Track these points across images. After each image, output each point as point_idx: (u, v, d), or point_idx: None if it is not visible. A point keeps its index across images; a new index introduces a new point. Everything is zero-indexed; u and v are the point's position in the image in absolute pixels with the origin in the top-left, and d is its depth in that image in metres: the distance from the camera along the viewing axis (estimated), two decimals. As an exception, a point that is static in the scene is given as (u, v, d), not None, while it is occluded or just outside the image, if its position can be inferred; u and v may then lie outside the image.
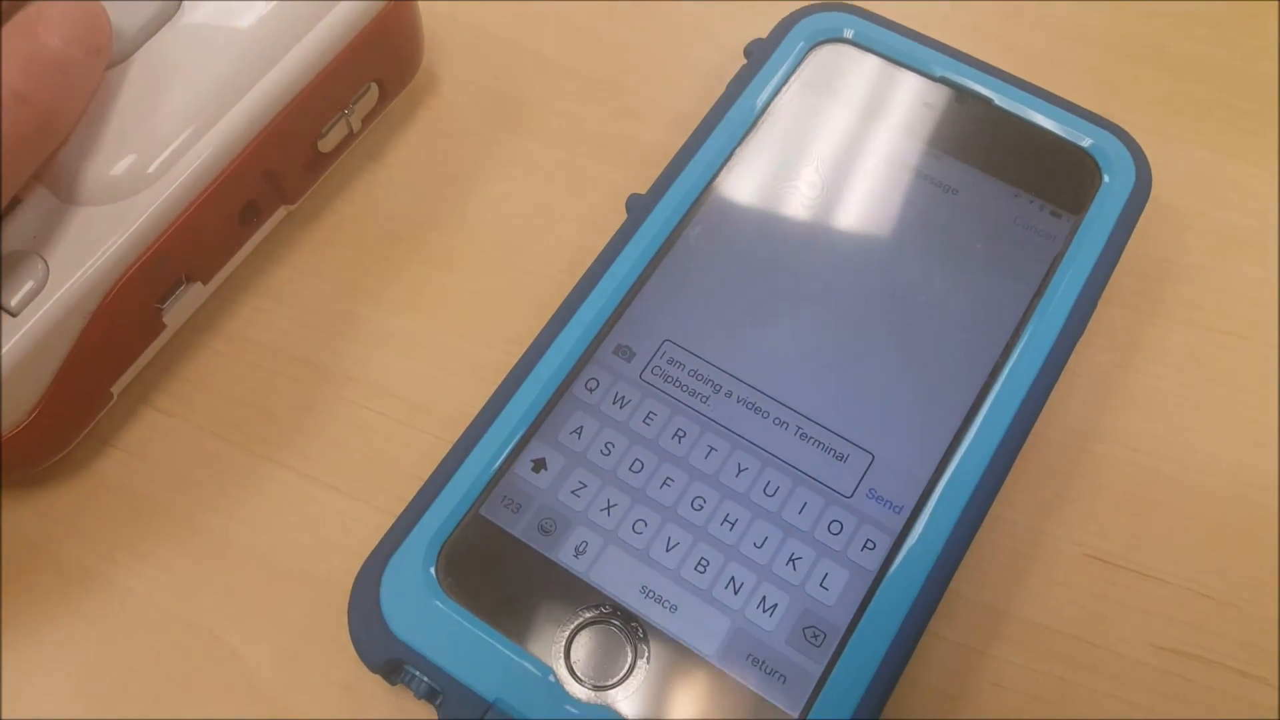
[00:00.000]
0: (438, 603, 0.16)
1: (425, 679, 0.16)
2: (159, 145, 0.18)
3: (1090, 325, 0.19)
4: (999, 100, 0.21)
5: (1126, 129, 0.21)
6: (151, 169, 0.18)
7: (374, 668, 0.16)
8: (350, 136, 0.21)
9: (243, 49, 0.19)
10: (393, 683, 0.16)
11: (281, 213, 0.21)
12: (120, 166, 0.18)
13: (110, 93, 0.18)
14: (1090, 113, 0.21)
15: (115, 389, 0.19)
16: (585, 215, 0.22)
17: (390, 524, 0.17)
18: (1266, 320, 0.21)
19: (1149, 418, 0.20)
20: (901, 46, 0.21)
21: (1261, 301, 0.21)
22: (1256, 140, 0.23)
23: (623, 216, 0.20)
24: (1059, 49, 0.24)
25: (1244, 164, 0.23)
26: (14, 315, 0.17)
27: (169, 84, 0.18)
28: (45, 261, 0.17)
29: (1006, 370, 0.18)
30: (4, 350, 0.17)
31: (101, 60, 0.18)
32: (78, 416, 0.19)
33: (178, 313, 0.19)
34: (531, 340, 0.19)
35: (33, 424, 0.18)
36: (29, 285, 0.17)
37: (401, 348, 0.21)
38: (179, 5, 0.19)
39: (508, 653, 0.16)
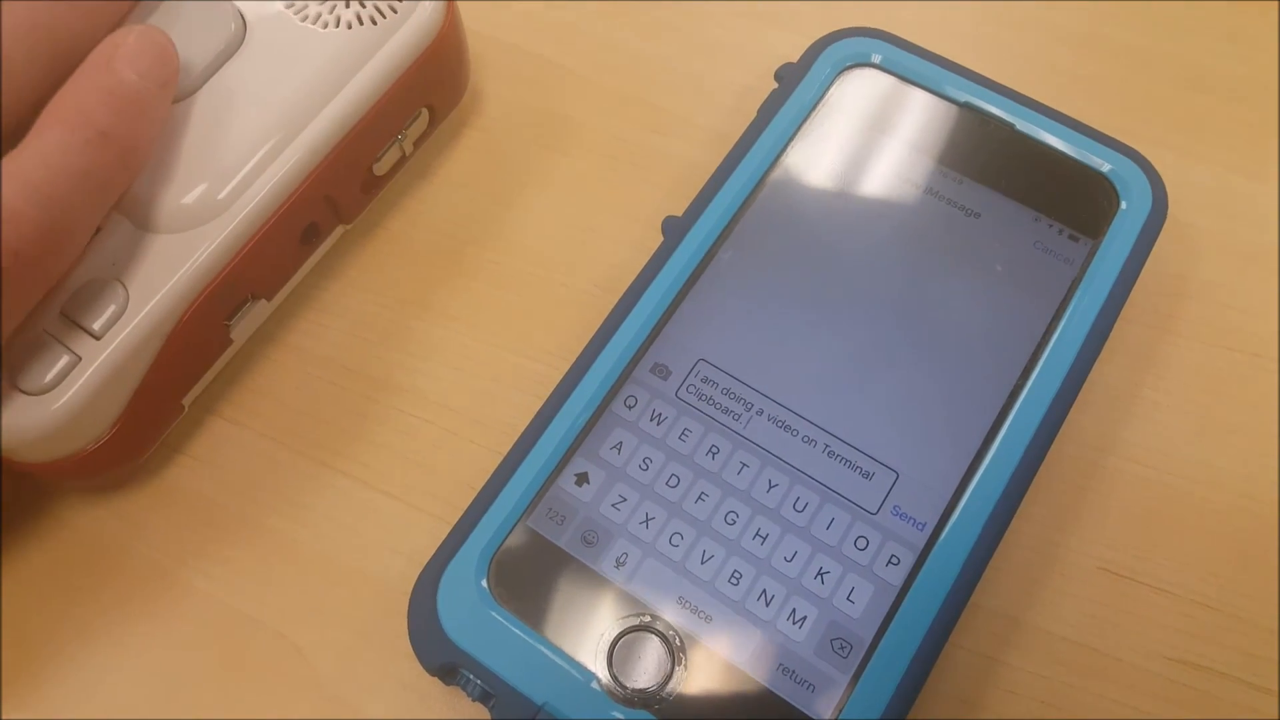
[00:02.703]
0: (490, 610, 0.16)
1: (479, 682, 0.16)
2: (228, 175, 0.18)
3: (1106, 343, 0.19)
4: (1020, 125, 0.20)
5: (1144, 145, 0.20)
6: (221, 197, 0.18)
7: (431, 670, 0.16)
8: (403, 159, 0.21)
9: (305, 82, 0.18)
10: (448, 684, 0.16)
11: (339, 232, 0.21)
12: (192, 196, 0.18)
13: (182, 124, 0.18)
14: (1109, 138, 0.20)
15: (186, 401, 0.19)
16: (622, 231, 0.22)
17: (439, 529, 0.17)
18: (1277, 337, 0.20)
19: (1160, 434, 0.19)
20: (927, 71, 0.21)
21: (1274, 319, 0.21)
22: (1274, 157, 0.22)
23: (657, 232, 0.20)
24: (1079, 65, 0.24)
25: (1260, 181, 0.22)
26: (97, 338, 0.17)
27: (236, 115, 0.18)
28: (125, 287, 0.17)
29: (1026, 390, 0.18)
30: (89, 371, 0.17)
31: (170, 93, 0.18)
32: (153, 428, 0.19)
33: (244, 328, 0.19)
34: (572, 354, 0.19)
35: (114, 437, 0.18)
36: (110, 310, 0.17)
37: (449, 359, 0.21)
38: (243, 39, 0.19)
39: (554, 658, 0.16)
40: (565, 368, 0.18)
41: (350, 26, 0.19)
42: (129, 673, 0.18)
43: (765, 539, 0.17)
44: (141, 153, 0.17)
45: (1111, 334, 0.18)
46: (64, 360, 0.17)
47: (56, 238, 0.16)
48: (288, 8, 0.19)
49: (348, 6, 0.19)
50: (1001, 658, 0.17)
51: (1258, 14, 0.24)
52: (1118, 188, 0.20)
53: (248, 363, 0.20)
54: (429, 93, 0.21)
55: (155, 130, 0.17)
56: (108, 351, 0.17)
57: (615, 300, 0.19)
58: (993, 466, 0.17)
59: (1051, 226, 0.19)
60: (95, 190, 0.16)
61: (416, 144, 0.21)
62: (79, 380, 0.17)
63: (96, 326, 0.17)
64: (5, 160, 0.15)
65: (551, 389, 0.18)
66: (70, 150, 0.16)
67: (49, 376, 0.17)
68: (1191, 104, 0.23)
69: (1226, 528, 0.18)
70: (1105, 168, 0.20)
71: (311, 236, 0.20)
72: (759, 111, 0.21)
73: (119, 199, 0.17)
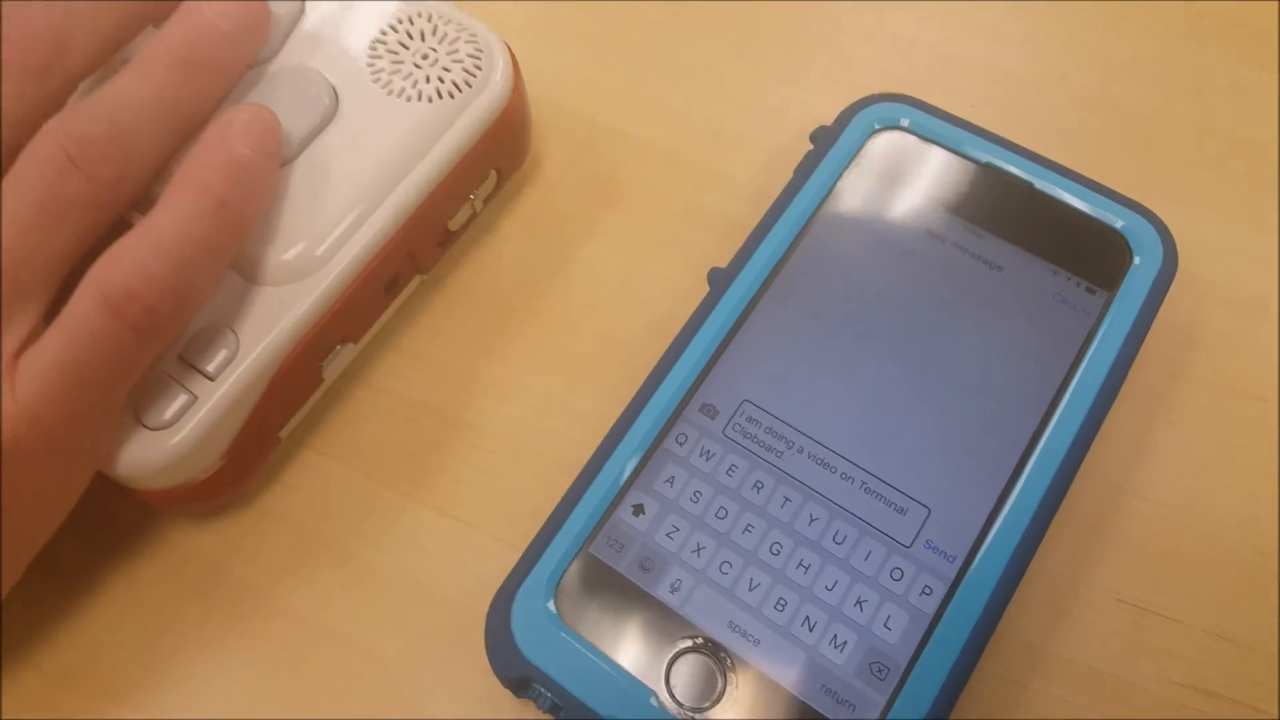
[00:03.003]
0: (558, 629, 0.18)
1: (549, 695, 0.17)
2: (325, 234, 0.20)
3: (1121, 388, 0.20)
4: (1039, 184, 0.22)
5: (1155, 200, 0.22)
6: (319, 253, 0.20)
7: (506, 683, 0.18)
8: (473, 215, 0.23)
9: (392, 150, 0.20)
10: (520, 697, 0.18)
11: (416, 281, 0.23)
12: (293, 253, 0.20)
13: (284, 189, 0.20)
14: (1121, 195, 0.22)
15: (283, 434, 0.21)
16: (671, 280, 0.23)
17: (505, 553, 0.19)
18: (1284, 382, 0.22)
19: (1173, 474, 0.21)
20: (951, 134, 0.22)
21: (1278, 366, 0.22)
22: (1276, 210, 0.24)
23: (703, 281, 0.22)
24: (1091, 125, 0.25)
25: (1265, 233, 0.23)
26: (211, 380, 0.19)
27: (331, 181, 0.20)
28: (235, 334, 0.19)
29: (1048, 432, 0.19)
30: (204, 409, 0.19)
31: (277, 164, 0.20)
32: (255, 460, 0.21)
33: (333, 368, 0.21)
34: (625, 394, 0.20)
35: (222, 468, 0.20)
36: (223, 354, 0.19)
37: (513, 397, 0.22)
38: (336, 111, 0.21)
39: (616, 675, 0.17)
40: (619, 406, 0.20)
41: (431, 100, 0.21)
42: (228, 681, 0.20)
43: (808, 569, 0.18)
44: (253, 217, 0.19)
45: (1126, 380, 0.20)
46: (182, 399, 0.19)
47: (184, 294, 0.18)
48: (375, 81, 0.21)
49: (428, 81, 0.21)
50: (1026, 682, 0.19)
51: (1259, 72, 0.25)
52: (1130, 243, 0.21)
53: (336, 399, 0.22)
54: (497, 156, 0.22)
55: (265, 197, 0.19)
56: (220, 392, 0.19)
57: (665, 344, 0.21)
58: (1017, 503, 0.18)
59: (1069, 279, 0.21)
60: (216, 252, 0.18)
61: (485, 201, 0.23)
62: (195, 417, 0.19)
63: (211, 369, 0.19)
64: (139, 227, 0.17)
65: (606, 426, 0.20)
66: (195, 218, 0.18)
67: (168, 414, 0.19)
68: (1198, 160, 0.24)
69: (1235, 562, 0.20)
70: (1118, 224, 0.21)
71: (393, 286, 0.22)
72: (796, 171, 0.23)
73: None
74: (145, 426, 0.19)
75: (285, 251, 0.20)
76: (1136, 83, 0.25)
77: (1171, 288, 0.21)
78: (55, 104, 0.19)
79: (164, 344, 0.18)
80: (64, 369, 0.17)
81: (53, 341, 0.17)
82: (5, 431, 0.17)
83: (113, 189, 0.18)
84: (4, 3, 0.18)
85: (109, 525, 0.21)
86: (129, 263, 0.17)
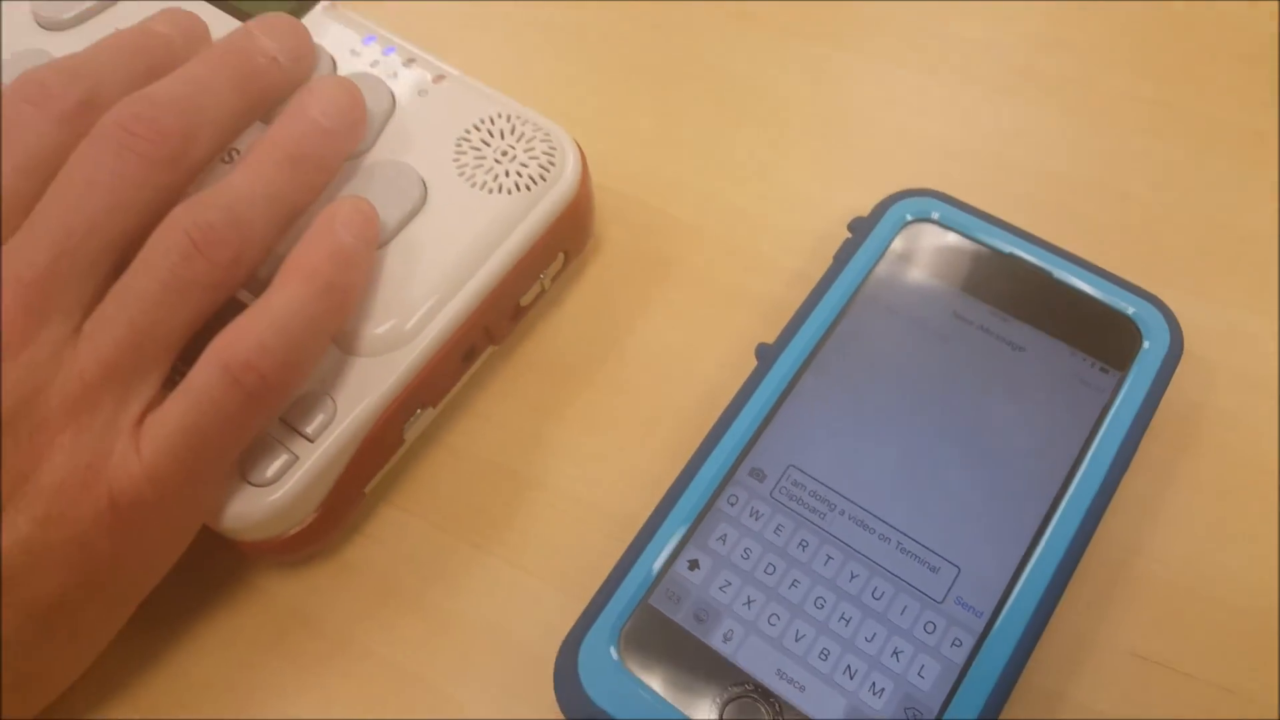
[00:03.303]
0: (621, 674, 0.19)
1: (614, 734, 0.19)
2: (413, 311, 0.22)
3: (1133, 460, 0.22)
4: (1057, 273, 0.24)
5: (1164, 287, 0.24)
6: (408, 328, 0.22)
7: (573, 723, 0.19)
8: (542, 292, 0.25)
9: (474, 237, 0.23)
10: (586, 734, 0.19)
11: (489, 351, 0.25)
12: (385, 327, 0.22)
13: (378, 270, 0.22)
14: (1131, 284, 0.23)
15: (367, 490, 0.23)
16: (720, 353, 0.25)
17: (568, 602, 0.21)
18: (1283, 455, 0.23)
19: (1183, 538, 0.22)
20: (977, 226, 0.25)
21: (1277, 441, 0.23)
22: (1275, 296, 0.25)
23: (750, 354, 0.24)
24: (1107, 216, 0.27)
25: (1265, 318, 0.25)
26: (311, 441, 0.21)
27: (419, 263, 0.22)
28: (333, 399, 0.21)
29: (1066, 499, 0.21)
30: (304, 468, 0.21)
31: (374, 249, 0.22)
32: (342, 514, 0.22)
33: (414, 430, 0.23)
34: (679, 456, 0.22)
35: (314, 521, 0.21)
36: (320, 418, 0.21)
37: (577, 459, 0.24)
38: (425, 201, 0.23)
39: (674, 718, 0.19)
40: (675, 468, 0.22)
41: (509, 192, 0.23)
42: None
43: (849, 621, 0.20)
44: (355, 298, 0.21)
45: (1137, 452, 0.22)
46: (283, 458, 0.21)
47: (295, 366, 0.20)
48: (459, 174, 0.23)
49: (507, 175, 0.23)
50: (1048, 729, 0.20)
51: (1260, 166, 0.27)
52: (1140, 328, 0.23)
53: (414, 458, 0.24)
54: (565, 240, 0.25)
55: (365, 279, 0.21)
56: (318, 452, 0.21)
57: (716, 412, 0.23)
58: (1039, 563, 0.20)
59: (1085, 360, 0.23)
60: (322, 329, 0.20)
61: (553, 280, 0.25)
62: (295, 475, 0.21)
63: (310, 431, 0.21)
64: (256, 306, 0.20)
65: (663, 486, 0.22)
66: (305, 299, 0.20)
67: (270, 471, 0.21)
68: (1205, 251, 0.26)
69: (1240, 620, 0.21)
70: (1130, 310, 0.23)
71: (469, 356, 0.24)
72: (835, 257, 0.25)
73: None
74: (250, 483, 0.21)
75: (378, 326, 0.22)
76: (1147, 180, 0.28)
77: (1178, 368, 0.23)
78: (179, 191, 0.21)
79: (275, 411, 0.20)
80: (186, 431, 0.19)
81: (176, 406, 0.19)
82: (129, 488, 0.19)
83: (230, 271, 0.20)
84: (141, 101, 0.21)
85: (203, 572, 0.23)
86: (248, 338, 0.19)
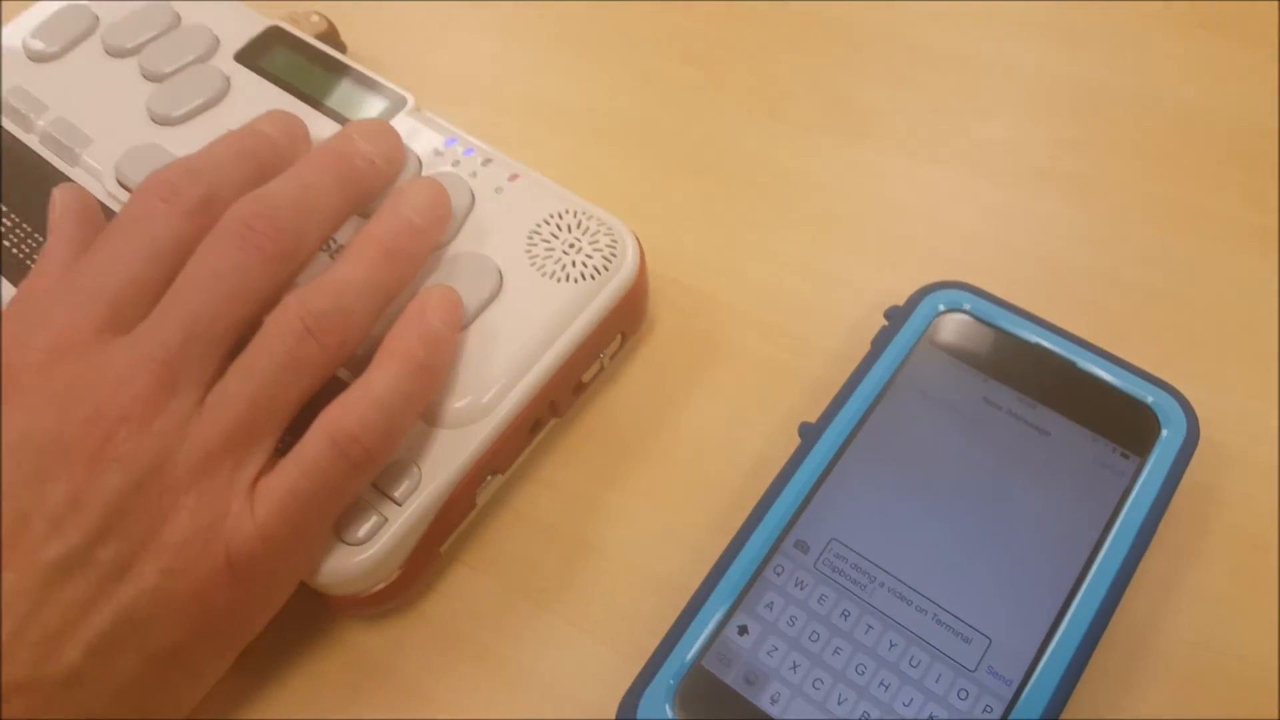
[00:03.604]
0: (677, 729, 0.21)
1: (670, 785, 0.20)
2: (489, 387, 0.24)
3: (1153, 541, 0.23)
4: (1081, 363, 0.25)
5: (1182, 375, 0.25)
6: (484, 403, 0.24)
7: (632, 773, 0.21)
8: (601, 369, 0.27)
9: (544, 322, 0.25)
10: (642, 785, 0.21)
11: (553, 423, 0.27)
12: (464, 402, 0.24)
13: (458, 350, 0.24)
14: (1150, 375, 0.25)
15: (442, 549, 0.25)
16: (763, 429, 0.27)
17: (623, 660, 0.23)
18: (1297, 538, 0.25)
19: (1200, 614, 0.23)
20: (1005, 318, 0.26)
21: (1292, 522, 0.25)
22: (1288, 387, 0.27)
23: (792, 431, 0.26)
24: (1128, 306, 0.29)
25: (1276, 406, 0.27)
26: (399, 505, 0.23)
27: (495, 345, 0.25)
28: (419, 467, 0.23)
29: (1090, 576, 0.22)
30: (392, 529, 0.23)
31: (459, 332, 0.24)
32: (420, 572, 0.24)
33: (484, 495, 0.25)
34: (728, 526, 0.24)
35: (397, 579, 0.23)
36: (407, 484, 0.23)
37: (632, 525, 0.26)
38: (500, 289, 0.25)
39: (727, 770, 0.20)
40: (723, 538, 0.24)
41: (575, 281, 0.25)
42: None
43: (888, 687, 0.21)
44: (443, 376, 0.23)
45: (1157, 532, 0.23)
46: (374, 520, 0.23)
47: (392, 438, 0.22)
48: (531, 265, 0.26)
49: (574, 266, 0.26)
50: (1073, 793, 0.21)
51: (1267, 260, 0.29)
52: (1159, 416, 0.24)
53: (483, 521, 0.26)
54: (623, 323, 0.27)
55: (451, 359, 0.24)
56: (405, 515, 0.23)
57: (762, 486, 0.24)
58: (1065, 635, 0.22)
59: (1107, 446, 0.24)
60: (415, 404, 0.22)
61: (611, 358, 0.27)
62: (384, 536, 0.23)
63: (398, 495, 0.23)
64: (359, 385, 0.22)
65: (713, 554, 0.23)
66: (402, 378, 0.22)
67: (362, 532, 0.23)
68: (1222, 342, 0.28)
69: (1253, 695, 0.22)
70: (1149, 399, 0.25)
71: (536, 428, 0.26)
72: (873, 342, 0.27)
73: (424, 406, 0.23)
74: (344, 542, 0.23)
75: (458, 401, 0.24)
76: (1163, 272, 0.29)
77: (1196, 453, 0.24)
78: (290, 280, 0.23)
79: (371, 477, 0.22)
80: (295, 495, 0.21)
81: (287, 473, 0.21)
82: (244, 545, 0.21)
83: (336, 353, 0.22)
84: (260, 201, 0.23)
85: (291, 623, 0.24)
86: (353, 413, 0.21)
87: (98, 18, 0.34)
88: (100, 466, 0.20)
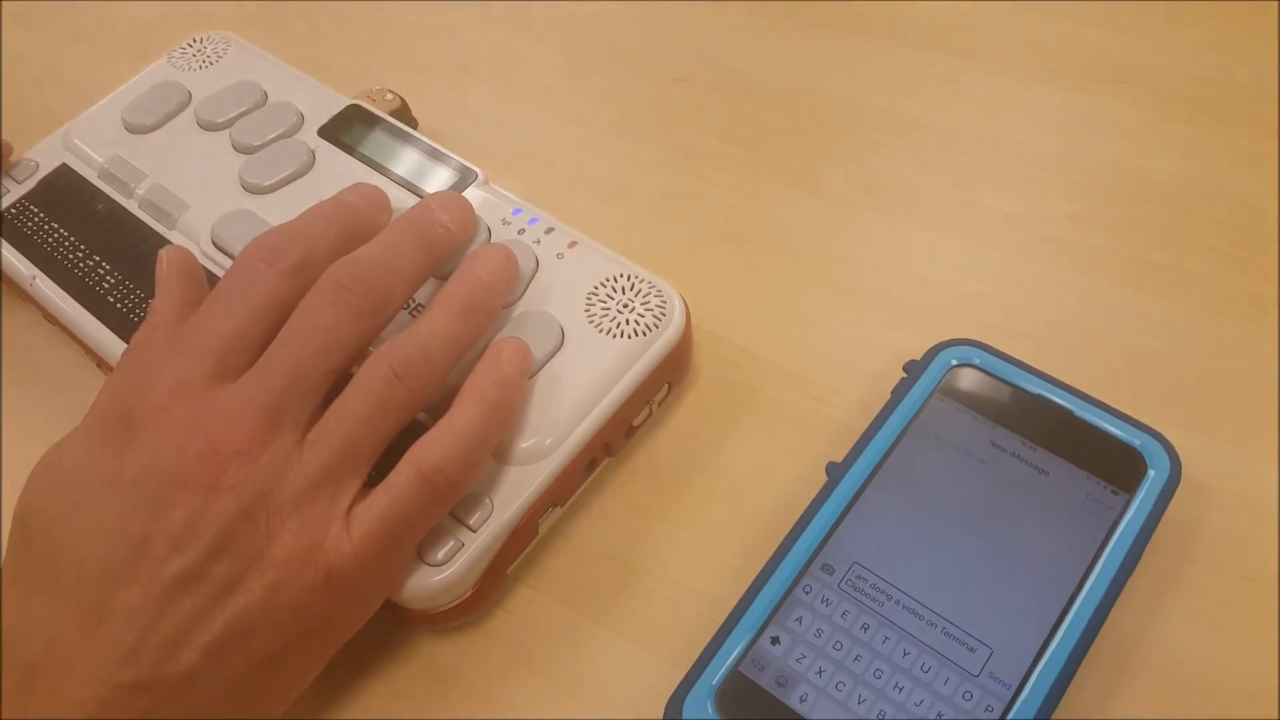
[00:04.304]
0: (719, 725, 0.25)
1: (713, 772, 0.25)
2: (552, 430, 0.29)
3: (1138, 567, 0.27)
4: (1077, 412, 0.30)
5: (1169, 423, 0.29)
6: (548, 443, 0.29)
7: (680, 763, 0.25)
8: (649, 415, 0.32)
9: (601, 373, 0.30)
10: (689, 774, 0.25)
11: (606, 461, 0.31)
12: (530, 443, 0.28)
13: (526, 397, 0.29)
14: (1139, 422, 0.29)
15: (509, 571, 0.29)
16: (795, 468, 0.32)
17: (669, 670, 0.27)
18: (1272, 569, 0.29)
19: (1180, 633, 0.28)
20: (1011, 372, 0.31)
21: (1271, 556, 0.29)
22: (1266, 432, 0.31)
23: (820, 470, 0.30)
24: (1124, 363, 0.33)
25: (1256, 453, 0.31)
26: (473, 531, 0.27)
27: (558, 392, 0.29)
28: (490, 499, 0.28)
29: (1081, 597, 0.26)
30: (468, 553, 0.27)
31: (527, 379, 0.29)
32: (490, 590, 0.29)
33: (546, 524, 0.30)
34: (761, 552, 0.28)
35: (470, 596, 0.28)
36: (480, 513, 0.28)
37: (676, 551, 0.30)
38: (562, 343, 0.30)
39: (762, 760, 0.25)
40: (757, 562, 0.28)
41: (630, 337, 0.30)
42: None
43: (901, 690, 0.25)
44: (515, 417, 0.28)
45: (1141, 560, 0.27)
46: (451, 543, 0.27)
47: (470, 471, 0.26)
48: (589, 322, 0.30)
49: (627, 324, 0.30)
50: (1067, 787, 0.25)
51: (1250, 323, 0.34)
52: (1146, 459, 0.29)
53: (545, 547, 0.31)
54: (670, 374, 0.32)
55: (522, 403, 0.28)
56: (479, 540, 0.27)
57: (792, 517, 0.29)
58: (1058, 647, 0.26)
59: (1098, 484, 0.28)
60: (490, 441, 0.27)
61: (659, 405, 0.32)
62: (461, 558, 0.27)
63: (473, 522, 0.27)
64: (442, 424, 0.26)
65: (746, 577, 0.28)
66: (480, 418, 0.27)
67: (441, 554, 0.27)
68: (1204, 392, 0.32)
69: (1225, 705, 0.26)
70: (1136, 443, 0.29)
71: (591, 466, 0.31)
72: (893, 392, 0.31)
73: (495, 445, 0.28)
74: (425, 562, 0.27)
75: (525, 442, 0.28)
76: (1158, 332, 0.34)
77: (1178, 492, 0.28)
78: (378, 333, 0.28)
79: (450, 505, 0.27)
80: (386, 520, 0.26)
81: (379, 500, 0.26)
82: (341, 564, 0.25)
83: (420, 396, 0.27)
84: (354, 264, 0.28)
85: (374, 634, 0.29)
86: (438, 448, 0.26)
87: (190, 93, 0.40)
88: (214, 495, 0.24)
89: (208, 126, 0.38)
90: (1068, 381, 0.31)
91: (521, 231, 0.33)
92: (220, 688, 0.24)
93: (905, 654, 0.26)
